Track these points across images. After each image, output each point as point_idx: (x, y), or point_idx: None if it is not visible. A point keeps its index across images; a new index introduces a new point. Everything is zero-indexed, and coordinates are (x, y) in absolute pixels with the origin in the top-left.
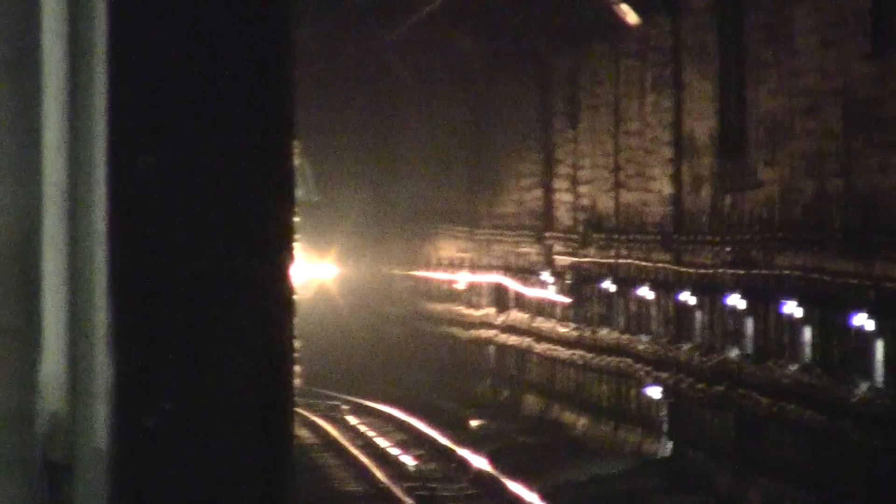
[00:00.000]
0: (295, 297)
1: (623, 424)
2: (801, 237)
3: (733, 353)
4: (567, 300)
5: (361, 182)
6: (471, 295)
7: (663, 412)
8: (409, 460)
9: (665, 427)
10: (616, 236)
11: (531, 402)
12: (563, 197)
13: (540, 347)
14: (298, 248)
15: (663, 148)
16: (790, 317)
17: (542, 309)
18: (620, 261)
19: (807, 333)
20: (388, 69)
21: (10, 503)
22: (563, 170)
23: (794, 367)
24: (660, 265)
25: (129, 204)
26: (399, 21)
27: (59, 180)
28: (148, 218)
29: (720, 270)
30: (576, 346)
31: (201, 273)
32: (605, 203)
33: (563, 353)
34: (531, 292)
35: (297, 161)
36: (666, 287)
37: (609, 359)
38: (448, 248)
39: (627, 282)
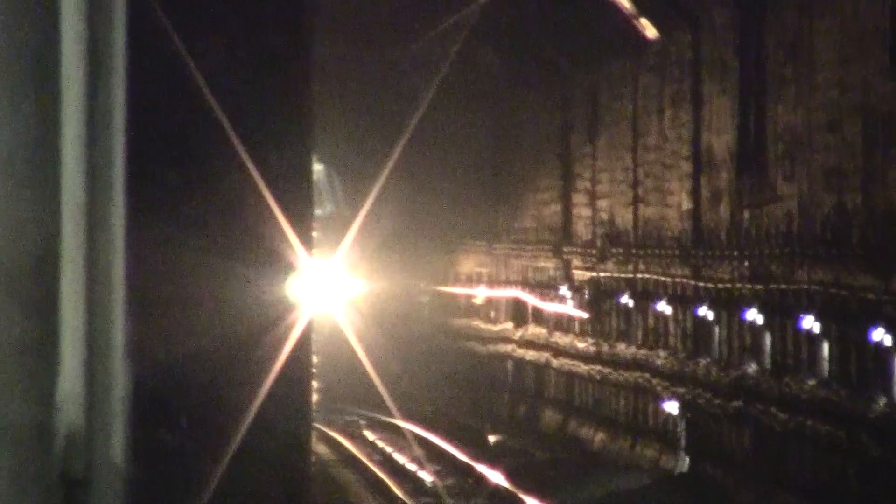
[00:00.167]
0: (319, 314)
1: (641, 439)
2: (820, 252)
3: (751, 368)
4: (585, 315)
5: (391, 196)
6: (489, 310)
7: (681, 427)
8: (426, 476)
9: (683, 442)
10: (634, 251)
11: (549, 417)
12: (581, 211)
13: (558, 362)
14: (326, 265)
15: (682, 162)
16: (809, 332)
17: (560, 324)
18: (639, 275)
19: (825, 348)
20: (409, 83)
21: None
22: (581, 184)
23: (812, 382)
24: (678, 280)
25: (148, 220)
26: (419, 36)
27: (77, 196)
28: (166, 234)
29: (738, 285)
30: (594, 360)
31: (220, 289)
32: (624, 217)
33: (581, 367)
34: (549, 307)
35: (326, 176)
36: (684, 302)
37: (627, 374)
38: (467, 263)
39: (646, 296)
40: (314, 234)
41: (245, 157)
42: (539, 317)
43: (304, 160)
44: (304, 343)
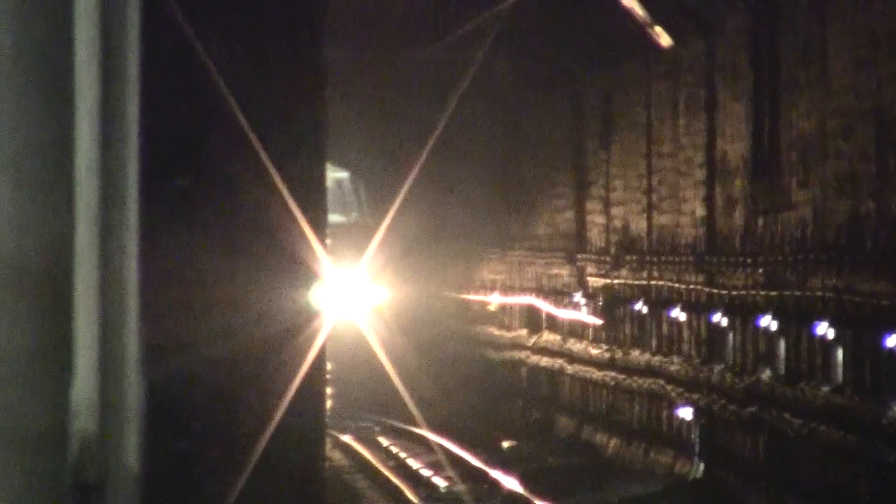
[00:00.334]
0: (343, 321)
1: (655, 446)
2: (834, 258)
3: (765, 374)
4: (599, 322)
5: (414, 203)
6: (504, 316)
7: (695, 433)
8: (440, 481)
9: (697, 448)
10: (649, 258)
11: (563, 423)
12: (595, 218)
13: (572, 369)
14: (350, 273)
15: (696, 169)
16: (823, 338)
17: (574, 330)
18: (653, 282)
19: (839, 355)
20: (429, 89)
21: None
22: (595, 191)
23: (826, 389)
24: (692, 287)
25: (162, 225)
26: (434, 42)
27: (90, 201)
28: (180, 239)
29: (753, 292)
30: (608, 367)
31: (234, 294)
32: (638, 225)
33: (595, 374)
34: (563, 314)
35: (351, 184)
36: (698, 308)
37: (641, 380)
38: (484, 270)
39: (660, 303)
40: (329, 240)
41: (260, 162)
42: (553, 323)
43: (318, 167)
44: (318, 351)
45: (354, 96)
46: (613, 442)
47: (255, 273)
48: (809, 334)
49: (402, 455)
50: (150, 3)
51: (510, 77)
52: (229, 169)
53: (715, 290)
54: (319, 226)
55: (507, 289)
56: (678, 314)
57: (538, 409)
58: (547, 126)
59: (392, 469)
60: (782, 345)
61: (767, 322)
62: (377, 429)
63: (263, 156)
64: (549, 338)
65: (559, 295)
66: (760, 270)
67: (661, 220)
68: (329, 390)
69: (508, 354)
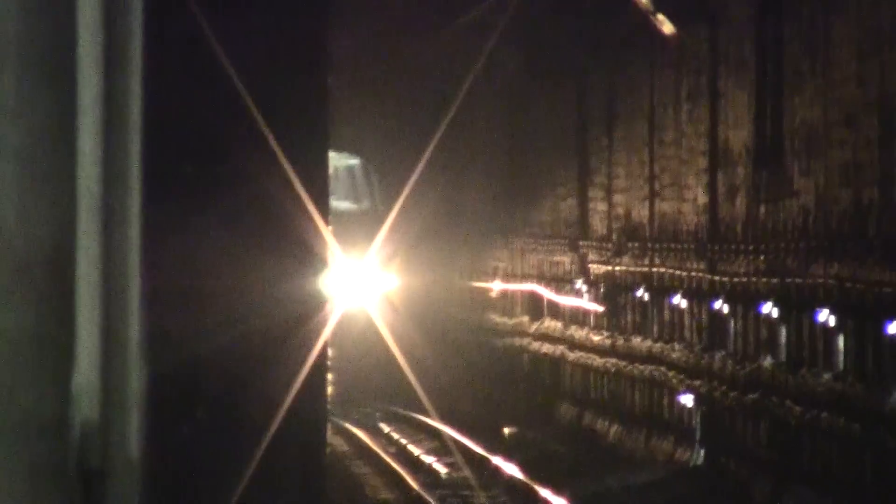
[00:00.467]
0: (353, 309)
1: (656, 432)
2: (837, 246)
3: (767, 361)
4: (601, 309)
5: (424, 191)
6: (505, 303)
7: (696, 420)
8: (441, 468)
9: (698, 435)
10: (651, 245)
11: (564, 410)
12: (598, 206)
13: (573, 356)
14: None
15: (699, 157)
16: (824, 325)
17: (575, 317)
18: (655, 269)
19: (841, 342)
20: (438, 77)
21: None
22: (598, 179)
23: (827, 376)
24: (694, 274)
25: (164, 213)
26: (439, 31)
27: (93, 189)
28: (183, 227)
29: (754, 279)
30: (609, 354)
31: (237, 282)
32: (640, 212)
33: (596, 361)
34: (565, 301)
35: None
36: (700, 296)
37: (642, 367)
38: (489, 258)
39: (661, 290)
40: (340, 228)
41: (264, 149)
42: (555, 310)
43: (320, 153)
44: (320, 336)
45: (366, 83)
46: (614, 429)
47: (260, 260)
48: (811, 322)
49: (403, 441)
50: None
51: (514, 64)
52: (233, 155)
53: (717, 278)
54: (322, 213)
55: (510, 276)
56: (680, 301)
57: (540, 396)
58: (550, 113)
59: (393, 455)
60: (784, 332)
61: (769, 309)
62: (378, 414)
63: (267, 142)
64: (550, 325)
65: (561, 282)
66: (762, 258)
67: (664, 207)
68: (331, 377)
69: (510, 341)
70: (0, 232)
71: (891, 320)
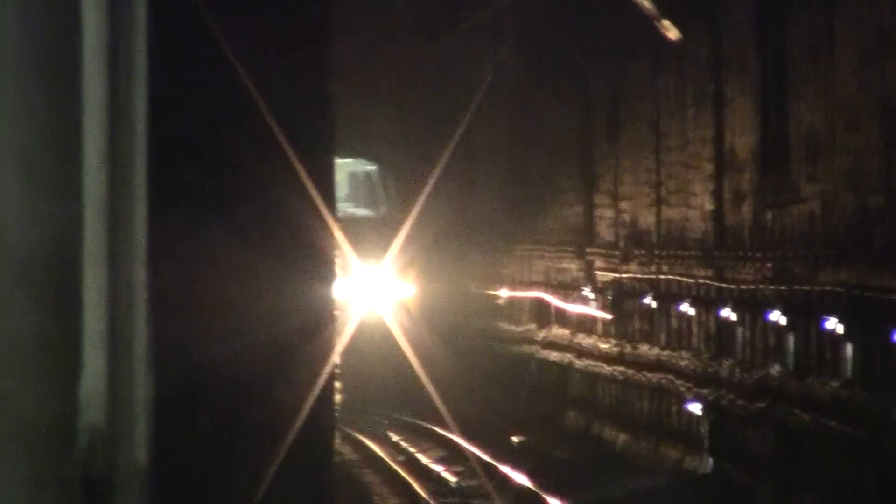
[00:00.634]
0: (370, 317)
1: (664, 440)
2: (843, 253)
3: (774, 369)
4: (608, 316)
5: (440, 198)
6: (513, 311)
7: (704, 428)
8: (449, 476)
9: (706, 443)
10: (657, 252)
11: (572, 417)
12: (604, 212)
13: (581, 363)
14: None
15: (704, 163)
16: (832, 333)
17: (583, 325)
18: (661, 276)
19: (848, 350)
20: (448, 84)
21: None
22: (604, 185)
23: (835, 384)
24: (701, 281)
25: (170, 218)
26: (434, 38)
27: (98, 195)
28: (188, 233)
29: (761, 286)
30: (617, 362)
31: (243, 288)
32: (647, 219)
33: (604, 368)
34: (572, 308)
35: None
36: (707, 303)
37: (650, 375)
38: (499, 266)
39: (668, 298)
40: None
41: (271, 156)
42: (562, 318)
43: (327, 160)
44: (328, 343)
45: (382, 89)
46: (622, 437)
47: (267, 268)
48: (818, 329)
49: (412, 449)
50: None
51: (519, 71)
52: (240, 162)
53: (724, 285)
54: (330, 222)
55: (517, 283)
56: (687, 308)
57: (547, 404)
58: (555, 120)
59: (401, 463)
60: (791, 340)
61: (776, 316)
62: (386, 422)
63: (275, 149)
64: (558, 332)
65: (568, 289)
66: (769, 265)
67: (670, 213)
68: (339, 384)
69: (518, 349)
70: (4, 238)
71: None
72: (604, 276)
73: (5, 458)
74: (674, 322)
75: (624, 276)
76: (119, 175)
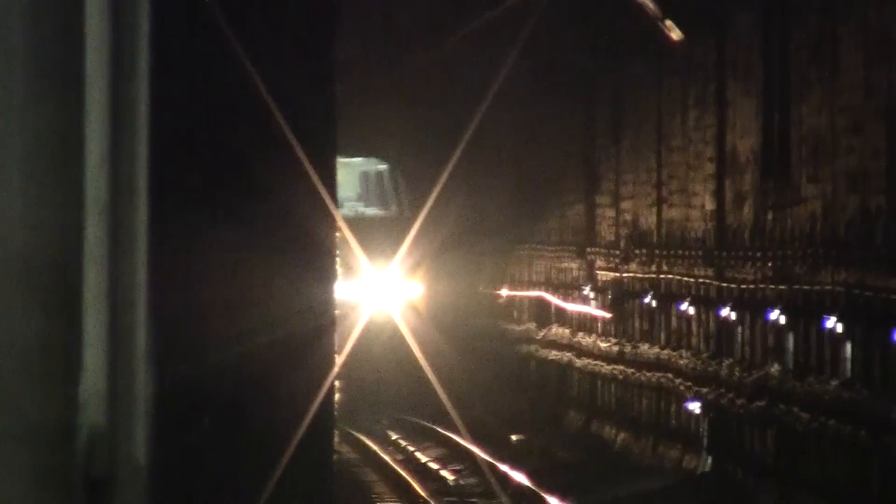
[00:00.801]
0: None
1: (663, 440)
2: (844, 253)
3: (774, 368)
4: (608, 315)
5: (451, 199)
6: (513, 310)
7: (703, 428)
8: (448, 475)
9: (705, 442)
10: (658, 252)
11: (572, 417)
12: (605, 212)
13: (581, 362)
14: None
15: (706, 164)
16: (832, 333)
17: (583, 324)
18: (662, 276)
19: (848, 349)
20: (459, 84)
21: None
22: (605, 185)
23: (835, 383)
24: (701, 281)
25: (172, 221)
26: (438, 39)
27: (100, 197)
28: (189, 235)
29: (762, 286)
30: (617, 361)
31: (244, 290)
32: (648, 219)
33: (604, 368)
34: (572, 307)
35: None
36: (707, 303)
37: (650, 374)
38: (502, 266)
39: (669, 297)
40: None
41: (275, 157)
42: (562, 317)
43: (329, 163)
44: (329, 343)
45: (393, 89)
46: (622, 436)
47: (269, 269)
48: (818, 329)
49: (411, 448)
50: None
51: (524, 72)
52: (242, 164)
53: (724, 284)
54: (331, 219)
55: (518, 283)
56: (687, 308)
57: (547, 403)
58: (558, 120)
59: (400, 462)
60: (791, 339)
61: (776, 316)
62: (385, 421)
63: (278, 150)
64: (558, 331)
65: (569, 288)
66: (770, 265)
67: (671, 213)
68: (338, 384)
69: (518, 348)
70: (6, 239)
71: None
72: (604, 275)
73: (5, 457)
74: (674, 321)
75: (624, 275)
76: (121, 176)
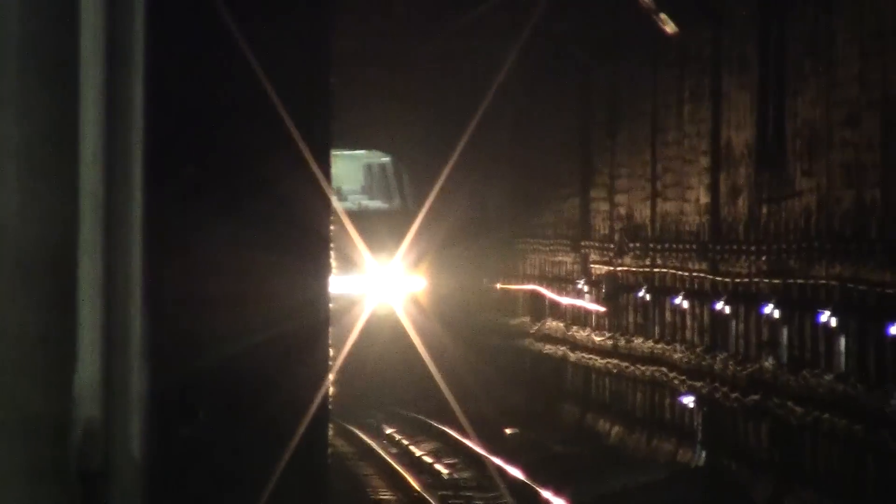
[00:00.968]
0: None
1: (658, 433)
2: (839, 247)
3: (769, 362)
4: (602, 309)
5: (454, 192)
6: (510, 303)
7: (698, 421)
8: (443, 469)
9: (699, 436)
10: (652, 245)
11: (566, 410)
12: (600, 206)
13: (575, 356)
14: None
15: (701, 157)
16: (826, 326)
17: (577, 318)
18: (656, 270)
19: (843, 343)
20: (444, 77)
21: None
22: (600, 179)
23: (829, 377)
24: (696, 274)
25: (166, 213)
26: (437, 31)
27: (95, 190)
28: (184, 228)
29: (756, 280)
30: (611, 355)
31: (238, 283)
32: (642, 212)
33: (598, 361)
34: (567, 301)
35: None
36: (701, 296)
37: (644, 368)
38: (501, 260)
39: (663, 291)
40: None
41: (270, 149)
42: (557, 311)
43: (324, 156)
44: (322, 335)
45: (395, 80)
46: (616, 430)
47: (263, 264)
48: (813, 322)
49: (405, 442)
50: None
51: (516, 66)
52: (238, 156)
53: (718, 278)
54: (325, 213)
55: (516, 276)
56: (681, 302)
57: (541, 397)
58: (553, 114)
59: (395, 456)
60: (785, 333)
61: (771, 310)
62: (382, 415)
63: (272, 143)
64: (552, 325)
65: (563, 282)
66: (764, 258)
67: (666, 207)
68: (332, 376)
69: (512, 342)
70: (2, 233)
71: (893, 322)
72: (599, 269)
73: (2, 450)
74: (668, 315)
75: (619, 269)
76: (116, 170)
